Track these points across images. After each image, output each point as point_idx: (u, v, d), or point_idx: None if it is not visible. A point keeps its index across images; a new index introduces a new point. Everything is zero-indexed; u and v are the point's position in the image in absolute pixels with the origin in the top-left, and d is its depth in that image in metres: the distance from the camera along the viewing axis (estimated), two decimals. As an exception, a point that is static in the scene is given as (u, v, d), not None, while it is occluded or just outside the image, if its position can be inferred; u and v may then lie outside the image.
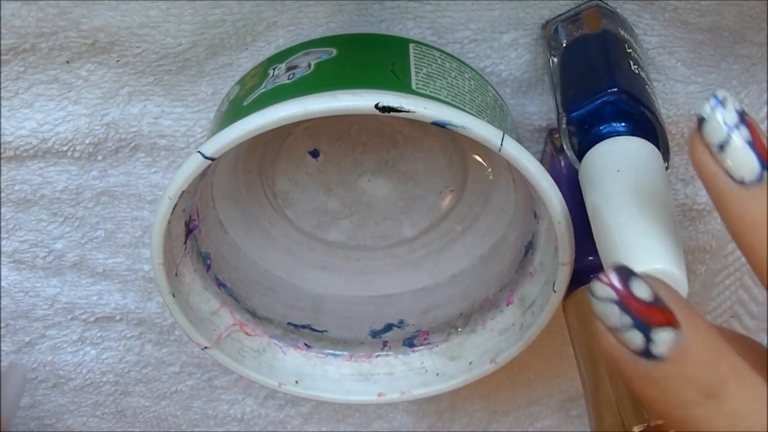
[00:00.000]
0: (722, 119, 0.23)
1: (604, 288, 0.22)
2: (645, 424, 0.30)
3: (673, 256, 0.27)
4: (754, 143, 0.23)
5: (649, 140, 0.31)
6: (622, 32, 0.34)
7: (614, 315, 0.22)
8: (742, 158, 0.23)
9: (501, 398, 0.49)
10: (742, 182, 0.23)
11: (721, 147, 0.23)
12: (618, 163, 0.29)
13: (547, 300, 0.34)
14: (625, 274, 0.22)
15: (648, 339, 0.22)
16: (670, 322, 0.22)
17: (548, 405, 0.50)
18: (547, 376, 0.48)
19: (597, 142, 0.31)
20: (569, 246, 0.32)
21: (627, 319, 0.22)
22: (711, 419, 0.22)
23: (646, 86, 0.32)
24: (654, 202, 0.28)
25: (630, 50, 0.33)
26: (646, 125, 0.31)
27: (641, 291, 0.22)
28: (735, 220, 0.24)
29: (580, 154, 0.31)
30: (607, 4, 0.34)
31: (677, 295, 0.22)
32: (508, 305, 0.37)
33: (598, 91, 0.31)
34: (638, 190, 0.28)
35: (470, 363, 0.37)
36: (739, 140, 0.23)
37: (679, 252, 0.27)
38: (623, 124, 0.31)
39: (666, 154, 0.31)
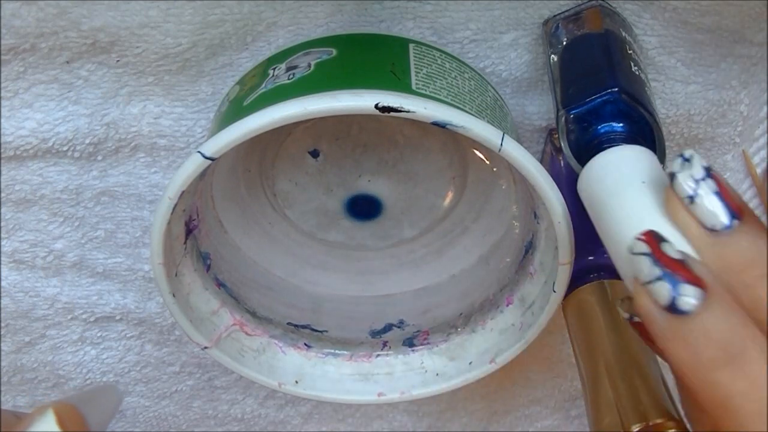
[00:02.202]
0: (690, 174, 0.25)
1: (639, 243, 0.24)
2: (643, 424, 0.30)
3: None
4: (721, 194, 0.25)
5: (646, 142, 0.31)
6: (624, 33, 0.34)
7: (646, 267, 0.24)
8: (710, 208, 0.25)
9: (501, 398, 0.49)
10: (713, 230, 0.25)
11: (691, 198, 0.25)
12: (634, 173, 0.28)
13: (547, 300, 0.34)
14: (657, 236, 0.24)
15: (675, 293, 0.23)
16: (697, 281, 0.23)
17: (548, 405, 0.50)
18: (547, 376, 0.48)
19: (594, 140, 0.31)
20: (569, 246, 0.32)
21: (657, 271, 0.23)
22: (733, 382, 0.23)
23: (646, 88, 0.32)
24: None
25: (631, 51, 0.33)
26: (644, 127, 0.31)
27: (671, 251, 0.24)
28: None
29: (577, 152, 0.31)
30: (609, 4, 0.34)
31: (704, 266, 0.24)
32: (508, 305, 0.37)
33: (600, 89, 0.31)
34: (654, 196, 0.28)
35: (470, 363, 0.37)
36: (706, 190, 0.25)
37: None
38: (622, 124, 0.31)
39: (662, 157, 0.31)
